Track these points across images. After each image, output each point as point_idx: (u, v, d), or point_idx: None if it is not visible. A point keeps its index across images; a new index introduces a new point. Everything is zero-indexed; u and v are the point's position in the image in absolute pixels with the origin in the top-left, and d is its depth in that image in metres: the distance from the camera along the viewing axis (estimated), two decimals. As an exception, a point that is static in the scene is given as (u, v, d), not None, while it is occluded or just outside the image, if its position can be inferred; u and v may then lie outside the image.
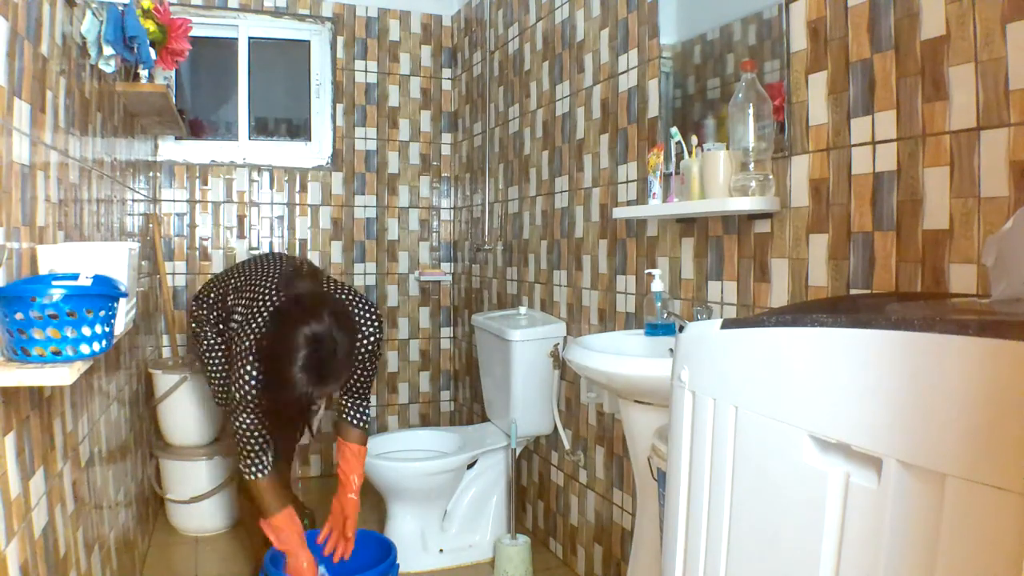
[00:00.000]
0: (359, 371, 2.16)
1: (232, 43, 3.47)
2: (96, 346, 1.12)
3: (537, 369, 2.58)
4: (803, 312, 0.89)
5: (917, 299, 1.13)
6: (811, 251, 1.54)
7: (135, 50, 1.89)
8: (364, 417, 2.23)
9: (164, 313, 3.25)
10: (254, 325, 1.98)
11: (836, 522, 0.78)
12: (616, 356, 1.65)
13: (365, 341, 2.10)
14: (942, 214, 1.26)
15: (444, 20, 3.77)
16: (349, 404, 2.21)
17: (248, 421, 1.95)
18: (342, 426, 2.22)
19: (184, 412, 2.84)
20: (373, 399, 3.70)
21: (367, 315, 2.11)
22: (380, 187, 3.69)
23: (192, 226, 3.39)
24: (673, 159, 1.83)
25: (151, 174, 3.13)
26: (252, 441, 1.98)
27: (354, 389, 2.20)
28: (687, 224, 1.96)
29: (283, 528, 2.01)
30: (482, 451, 2.66)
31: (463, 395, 3.69)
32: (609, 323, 2.33)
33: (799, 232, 1.58)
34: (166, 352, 3.30)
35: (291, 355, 1.81)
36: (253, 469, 2.00)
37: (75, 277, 1.11)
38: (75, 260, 1.26)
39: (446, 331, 3.85)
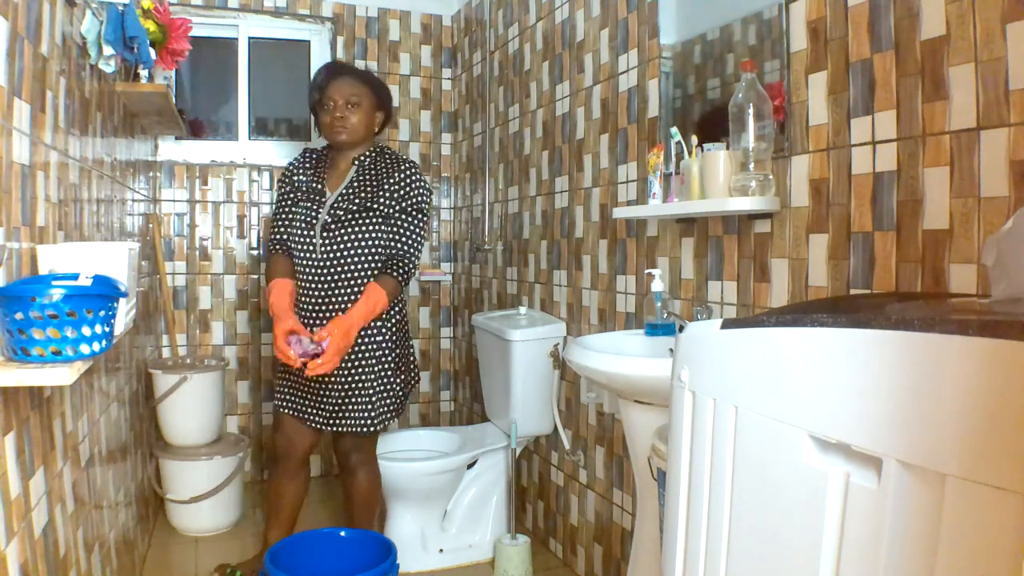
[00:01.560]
0: (387, 198, 2.29)
1: (232, 43, 3.47)
2: (96, 346, 1.12)
3: (537, 369, 2.57)
4: (803, 312, 0.89)
5: (917, 299, 1.13)
6: (811, 251, 1.55)
7: (135, 50, 1.89)
8: (398, 268, 2.27)
9: (164, 313, 3.25)
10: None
11: (836, 522, 0.78)
12: (616, 356, 1.65)
13: (399, 174, 2.32)
14: (942, 214, 1.26)
15: (444, 20, 3.77)
16: (391, 259, 2.30)
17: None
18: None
19: (184, 412, 2.84)
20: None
21: (407, 164, 2.37)
22: (380, 187, 3.69)
23: (192, 226, 3.39)
24: (673, 159, 1.84)
25: (151, 174, 3.13)
26: (277, 228, 2.39)
27: (397, 238, 2.29)
28: (687, 224, 1.96)
29: (273, 291, 2.26)
30: (482, 451, 2.66)
31: (463, 395, 3.69)
32: (609, 323, 2.33)
33: (799, 232, 1.58)
34: (166, 352, 3.30)
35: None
36: (271, 244, 2.38)
37: (75, 277, 1.11)
38: (75, 260, 1.26)
39: (446, 331, 3.85)
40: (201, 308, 3.40)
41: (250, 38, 3.48)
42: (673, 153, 1.84)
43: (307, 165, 2.40)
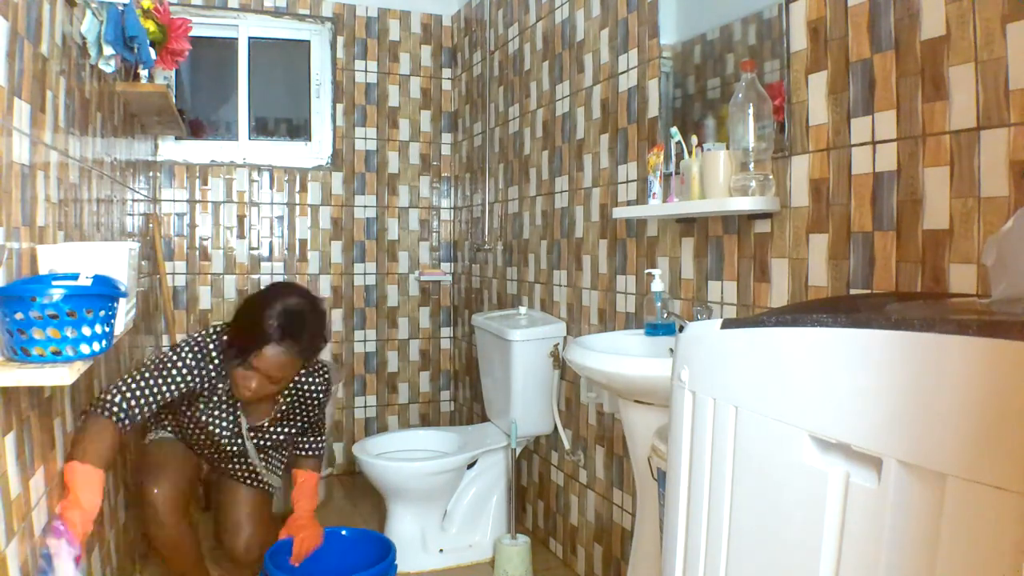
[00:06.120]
0: (311, 410, 2.22)
1: (232, 43, 3.47)
2: (96, 346, 1.12)
3: (537, 369, 2.57)
4: (803, 312, 0.89)
5: (917, 299, 1.13)
6: (811, 251, 1.54)
7: (135, 50, 1.89)
8: (316, 447, 2.28)
9: (164, 313, 3.25)
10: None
11: (836, 522, 0.78)
12: (616, 356, 1.65)
13: (317, 385, 2.19)
14: (942, 214, 1.26)
15: (444, 20, 3.77)
16: (303, 440, 2.27)
17: (163, 387, 1.84)
18: (296, 458, 2.29)
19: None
20: (373, 399, 3.70)
21: (322, 369, 2.22)
22: (380, 187, 3.69)
23: (192, 226, 3.39)
24: (673, 159, 1.84)
25: (151, 174, 3.13)
26: (148, 396, 1.78)
27: (308, 427, 2.25)
28: (687, 224, 1.96)
29: (84, 485, 1.47)
30: (482, 451, 2.66)
31: (463, 395, 3.69)
32: (609, 323, 2.33)
33: (799, 232, 1.58)
34: (166, 352, 3.30)
35: (267, 309, 1.91)
36: (118, 410, 1.69)
37: (75, 277, 1.11)
38: (75, 260, 1.26)
39: (446, 331, 3.85)
40: (201, 308, 3.40)
41: (250, 38, 3.48)
42: (673, 153, 1.84)
43: None
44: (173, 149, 3.36)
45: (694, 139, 1.79)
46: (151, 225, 3.03)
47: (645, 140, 2.14)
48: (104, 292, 1.14)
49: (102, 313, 1.13)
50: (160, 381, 1.85)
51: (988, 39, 1.17)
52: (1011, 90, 1.14)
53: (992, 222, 1.17)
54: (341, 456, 3.62)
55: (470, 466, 2.67)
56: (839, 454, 0.78)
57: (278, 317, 1.91)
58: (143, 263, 2.62)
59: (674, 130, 1.83)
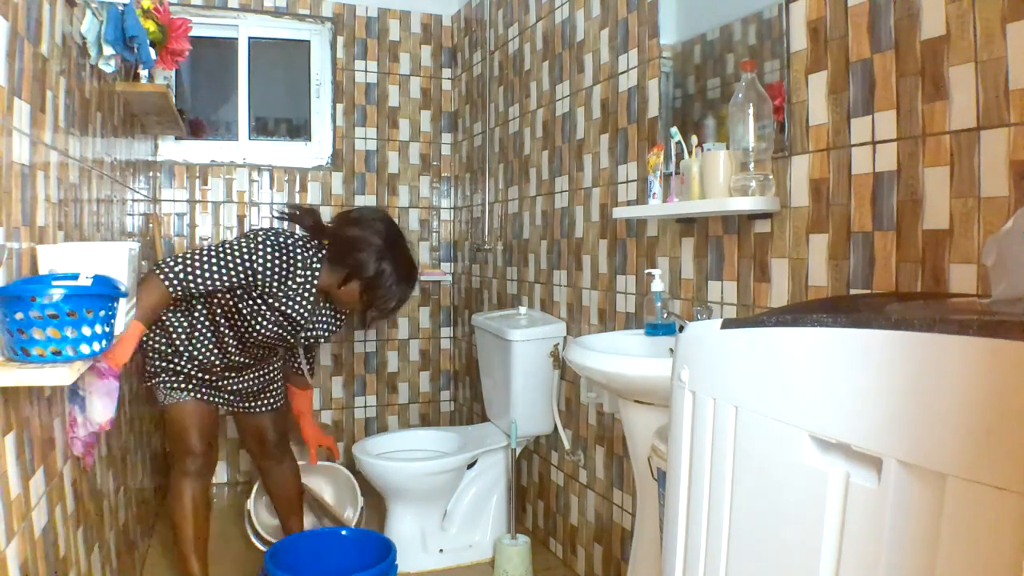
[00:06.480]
0: (332, 330, 2.40)
1: (232, 43, 3.47)
2: (96, 346, 1.12)
3: (537, 369, 2.57)
4: (803, 312, 0.89)
5: (917, 299, 1.13)
6: (811, 251, 1.54)
7: (135, 50, 1.89)
8: (312, 363, 2.70)
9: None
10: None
11: (836, 522, 0.78)
12: (616, 356, 1.65)
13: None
14: (942, 214, 1.26)
15: (444, 20, 3.77)
16: (309, 358, 2.66)
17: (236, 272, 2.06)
18: (294, 377, 2.64)
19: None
20: (373, 399, 3.70)
21: None
22: (380, 187, 3.69)
23: (192, 226, 3.39)
24: (673, 159, 1.84)
25: (151, 174, 3.13)
26: (207, 277, 2.04)
27: (317, 344, 2.49)
28: (687, 224, 1.96)
29: (125, 337, 1.67)
30: (482, 451, 2.66)
31: (463, 395, 3.69)
32: (609, 323, 2.33)
33: (799, 232, 1.58)
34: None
35: (389, 265, 2.17)
36: (176, 281, 2.00)
37: (75, 277, 1.11)
38: (75, 260, 1.26)
39: (446, 331, 3.85)
40: (201, 308, 3.40)
41: (250, 38, 3.48)
42: (673, 153, 1.84)
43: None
44: (173, 149, 3.36)
45: (694, 139, 1.79)
46: (151, 225, 3.03)
47: (645, 140, 2.14)
48: (104, 292, 1.14)
49: (102, 313, 1.13)
50: (225, 269, 2.05)
51: (988, 39, 1.17)
52: (1011, 90, 1.14)
53: (992, 222, 1.17)
54: (341, 456, 3.62)
55: (470, 466, 2.67)
56: (839, 454, 0.78)
57: (401, 279, 2.18)
58: (143, 263, 2.62)
59: (674, 130, 1.83)
